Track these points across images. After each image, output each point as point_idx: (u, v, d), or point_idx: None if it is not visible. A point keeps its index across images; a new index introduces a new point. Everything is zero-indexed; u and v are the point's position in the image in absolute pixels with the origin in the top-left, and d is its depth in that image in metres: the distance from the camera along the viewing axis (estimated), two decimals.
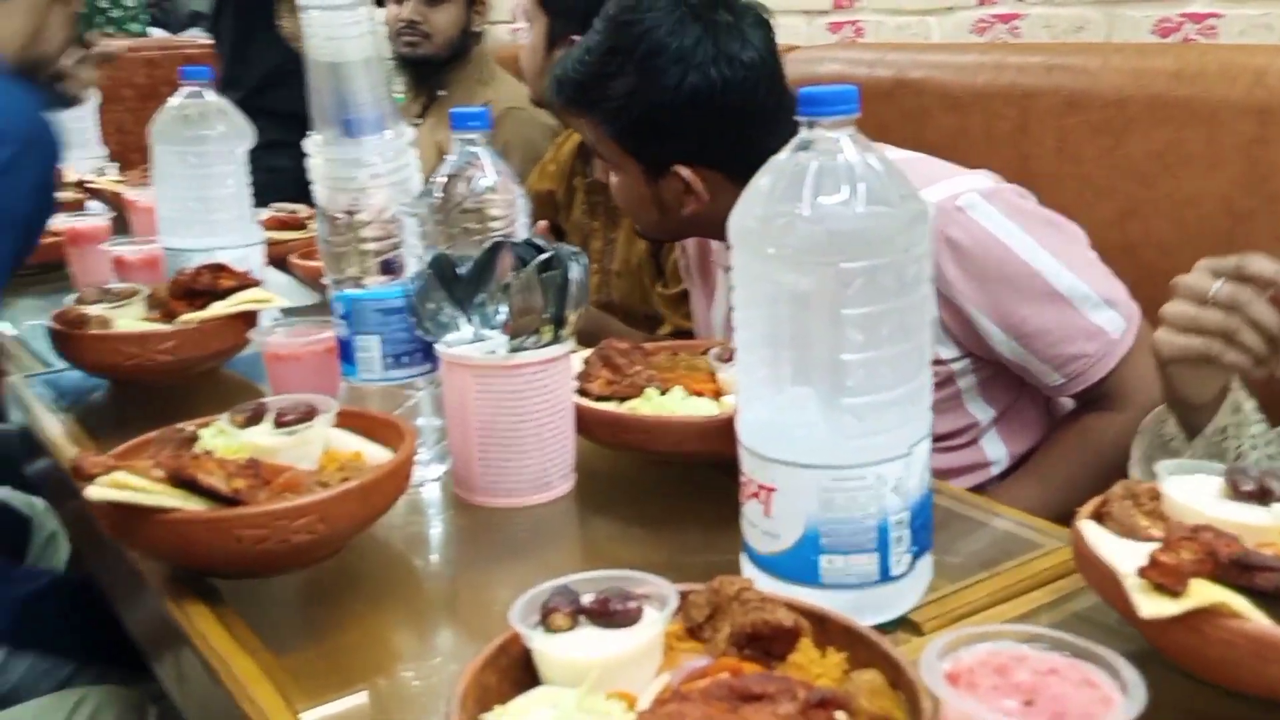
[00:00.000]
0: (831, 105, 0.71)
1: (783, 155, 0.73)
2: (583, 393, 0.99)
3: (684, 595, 0.64)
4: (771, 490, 0.73)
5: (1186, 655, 0.62)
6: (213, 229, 1.37)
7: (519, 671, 0.60)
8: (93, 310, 1.21)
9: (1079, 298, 1.18)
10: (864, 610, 0.70)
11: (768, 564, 0.75)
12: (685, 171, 1.25)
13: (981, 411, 1.28)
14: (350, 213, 0.93)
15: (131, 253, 1.44)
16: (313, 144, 0.93)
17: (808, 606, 0.64)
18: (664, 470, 0.98)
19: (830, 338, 0.70)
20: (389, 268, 0.94)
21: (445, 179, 0.98)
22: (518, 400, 0.90)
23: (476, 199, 0.97)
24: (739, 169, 1.24)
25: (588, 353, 1.03)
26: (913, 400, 0.73)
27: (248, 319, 1.22)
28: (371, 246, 0.93)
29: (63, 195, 2.04)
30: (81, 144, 2.33)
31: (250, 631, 0.75)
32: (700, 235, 1.42)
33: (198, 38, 4.88)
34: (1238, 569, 0.61)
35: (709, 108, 1.22)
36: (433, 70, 2.26)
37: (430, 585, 0.87)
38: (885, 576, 0.72)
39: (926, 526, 0.76)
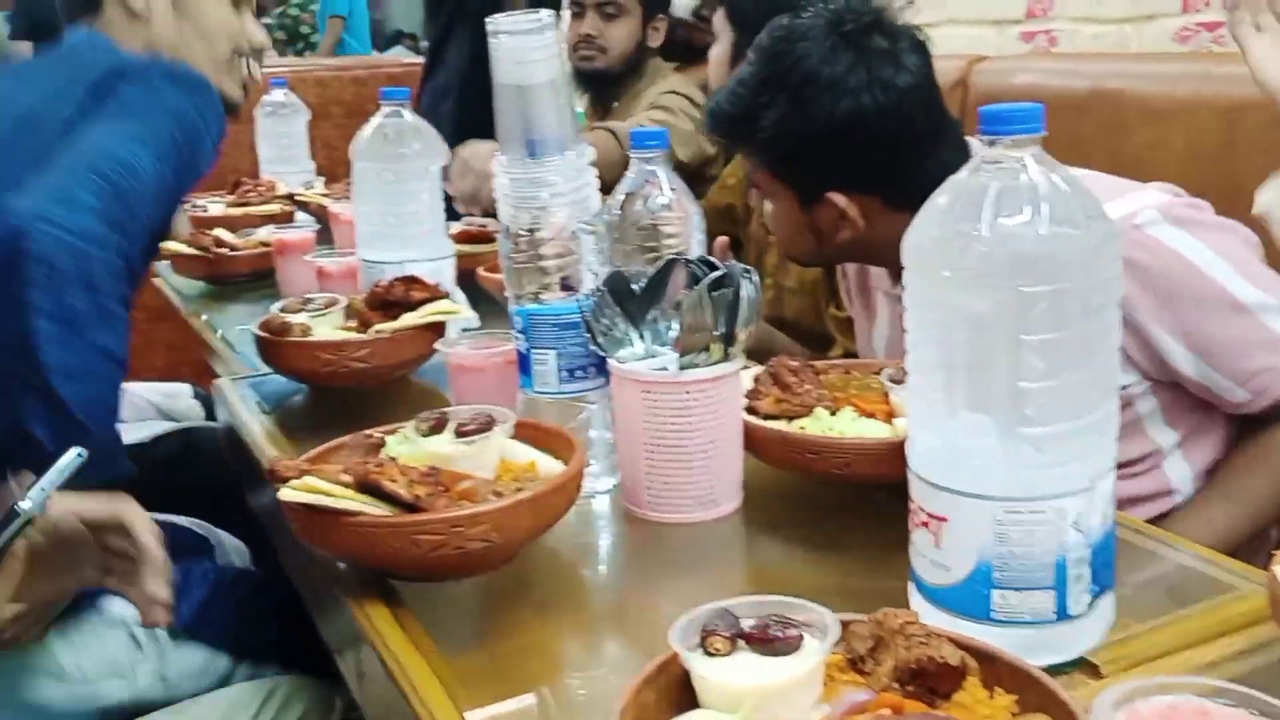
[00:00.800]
0: (1014, 123, 0.69)
1: (962, 174, 0.71)
2: (752, 410, 0.99)
3: (846, 625, 0.63)
4: (942, 520, 0.71)
5: None
6: (406, 243, 1.43)
7: (678, 691, 0.60)
8: (295, 319, 1.29)
9: (1262, 307, 1.13)
10: (1037, 650, 0.67)
11: (937, 596, 0.73)
12: (840, 199, 1.24)
13: (1164, 436, 1.22)
14: (531, 230, 0.96)
15: (332, 264, 1.53)
16: (498, 164, 0.97)
17: (976, 644, 0.62)
18: (833, 492, 0.96)
19: (1008, 364, 0.67)
20: (567, 284, 0.96)
21: (623, 197, 1.00)
22: (686, 416, 0.91)
23: (652, 217, 0.99)
24: (896, 195, 1.22)
25: (758, 370, 1.03)
26: (1097, 431, 0.70)
27: (437, 330, 1.28)
28: (550, 263, 0.95)
29: (274, 208, 2.18)
30: (292, 158, 2.48)
31: (425, 633, 0.79)
32: (856, 261, 1.41)
33: (401, 57, 5.13)
34: None
35: (862, 134, 1.21)
36: (608, 84, 2.30)
37: (597, 596, 0.88)
38: (1062, 615, 0.69)
39: (1109, 564, 0.72)
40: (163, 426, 1.89)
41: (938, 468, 0.72)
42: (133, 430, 1.86)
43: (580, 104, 2.43)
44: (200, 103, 1.18)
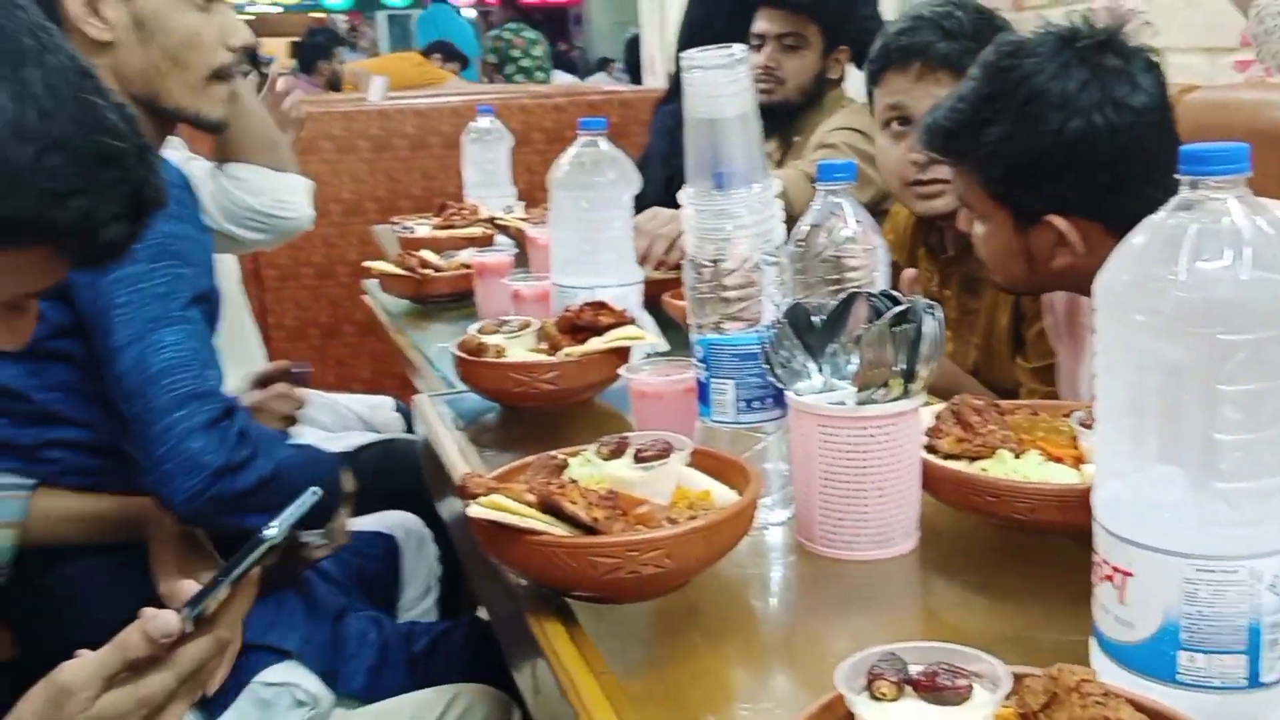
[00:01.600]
0: (1218, 164, 0.66)
1: (1160, 215, 0.68)
2: (931, 449, 0.97)
3: (1019, 679, 0.62)
4: (1128, 575, 0.69)
5: None
6: (598, 268, 1.47)
7: None
8: (490, 340, 1.35)
9: None
10: (1225, 718, 0.64)
11: (1119, 654, 0.70)
12: (1060, 222, 1.20)
13: None
14: (715, 261, 0.97)
15: (527, 288, 1.59)
16: (685, 195, 0.99)
17: (1159, 708, 0.60)
18: (1015, 537, 0.94)
19: (1203, 415, 0.65)
20: (747, 315, 0.97)
21: (807, 229, 1.00)
22: (861, 452, 0.90)
23: (835, 249, 0.99)
24: (1119, 220, 1.16)
25: (940, 407, 1.02)
26: None
27: (622, 354, 1.31)
28: (732, 294, 0.97)
29: (475, 231, 2.28)
30: (494, 183, 2.59)
31: (597, 654, 0.81)
32: (1069, 290, 1.35)
33: (601, 84, 5.27)
34: None
35: (1092, 155, 1.16)
36: (788, 116, 2.29)
37: (767, 628, 0.89)
38: (1254, 683, 0.65)
39: None
40: (365, 437, 2.01)
41: (1124, 519, 0.69)
42: (337, 439, 1.99)
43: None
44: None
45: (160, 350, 1.15)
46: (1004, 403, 1.04)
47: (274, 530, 0.78)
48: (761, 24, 2.25)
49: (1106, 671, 0.71)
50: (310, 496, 0.87)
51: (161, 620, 0.82)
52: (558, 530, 0.83)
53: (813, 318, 0.95)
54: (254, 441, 1.20)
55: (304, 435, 1.99)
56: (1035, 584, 0.88)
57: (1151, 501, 0.68)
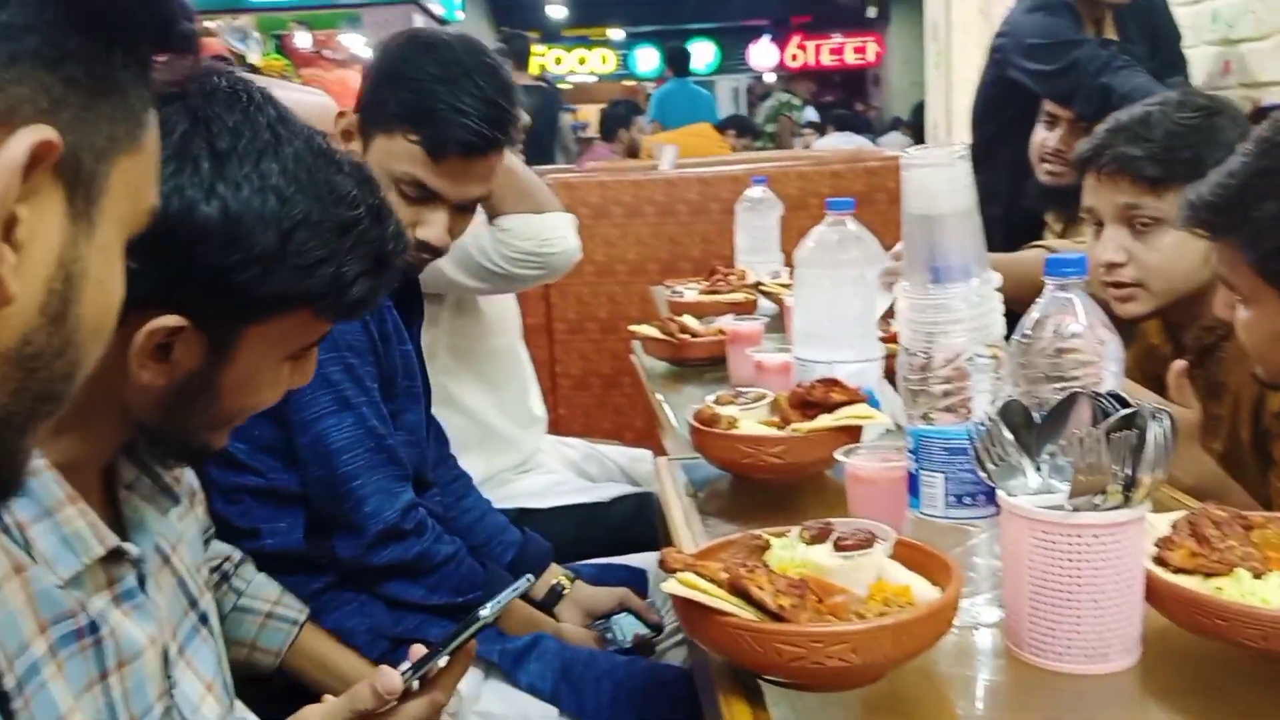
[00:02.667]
0: None
1: None
2: (1162, 561, 0.92)
3: None
4: None
5: None
6: (837, 344, 1.48)
7: None
8: (724, 410, 1.39)
9: None
10: None
11: None
12: None
13: None
14: (928, 353, 0.97)
15: (769, 359, 1.62)
16: (901, 289, 0.99)
17: None
18: (1249, 665, 0.86)
19: None
20: (958, 407, 0.96)
21: (1033, 322, 0.98)
22: (1075, 561, 0.87)
23: (1062, 344, 0.96)
24: None
25: (1177, 516, 0.95)
26: None
27: (855, 433, 1.31)
28: (943, 387, 0.96)
29: (739, 296, 2.33)
30: (763, 249, 2.64)
31: None
32: None
33: (888, 147, 5.23)
34: None
35: None
36: (1073, 197, 2.21)
37: None
38: None
39: None
40: (623, 489, 2.09)
41: None
42: (598, 489, 2.09)
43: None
44: None
45: (339, 430, 1.34)
46: (1254, 515, 0.97)
47: (488, 611, 0.85)
48: (1054, 106, 2.21)
49: None
50: (524, 583, 0.95)
51: (389, 678, 0.92)
52: (746, 613, 0.85)
53: (1032, 415, 0.93)
54: (423, 521, 1.39)
55: (573, 484, 2.11)
56: (1263, 718, 0.81)
57: None
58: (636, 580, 1.75)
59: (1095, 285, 1.62)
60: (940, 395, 0.96)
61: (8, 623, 0.77)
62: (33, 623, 0.79)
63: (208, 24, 9.85)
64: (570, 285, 3.41)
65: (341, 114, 1.53)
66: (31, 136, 0.48)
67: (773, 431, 1.33)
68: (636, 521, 1.94)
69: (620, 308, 3.55)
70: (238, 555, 1.35)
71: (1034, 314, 0.98)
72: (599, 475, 2.26)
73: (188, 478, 1.07)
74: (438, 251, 1.51)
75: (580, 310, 3.60)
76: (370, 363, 1.41)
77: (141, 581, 0.94)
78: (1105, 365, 0.95)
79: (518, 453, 2.09)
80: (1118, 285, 1.57)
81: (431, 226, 1.47)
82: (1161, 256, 1.52)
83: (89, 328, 0.55)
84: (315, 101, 2.00)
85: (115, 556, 0.90)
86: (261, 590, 1.35)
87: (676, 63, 8.13)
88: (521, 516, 1.91)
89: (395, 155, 1.44)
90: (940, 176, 0.95)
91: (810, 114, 10.33)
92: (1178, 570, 0.91)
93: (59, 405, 0.55)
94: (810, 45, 15.97)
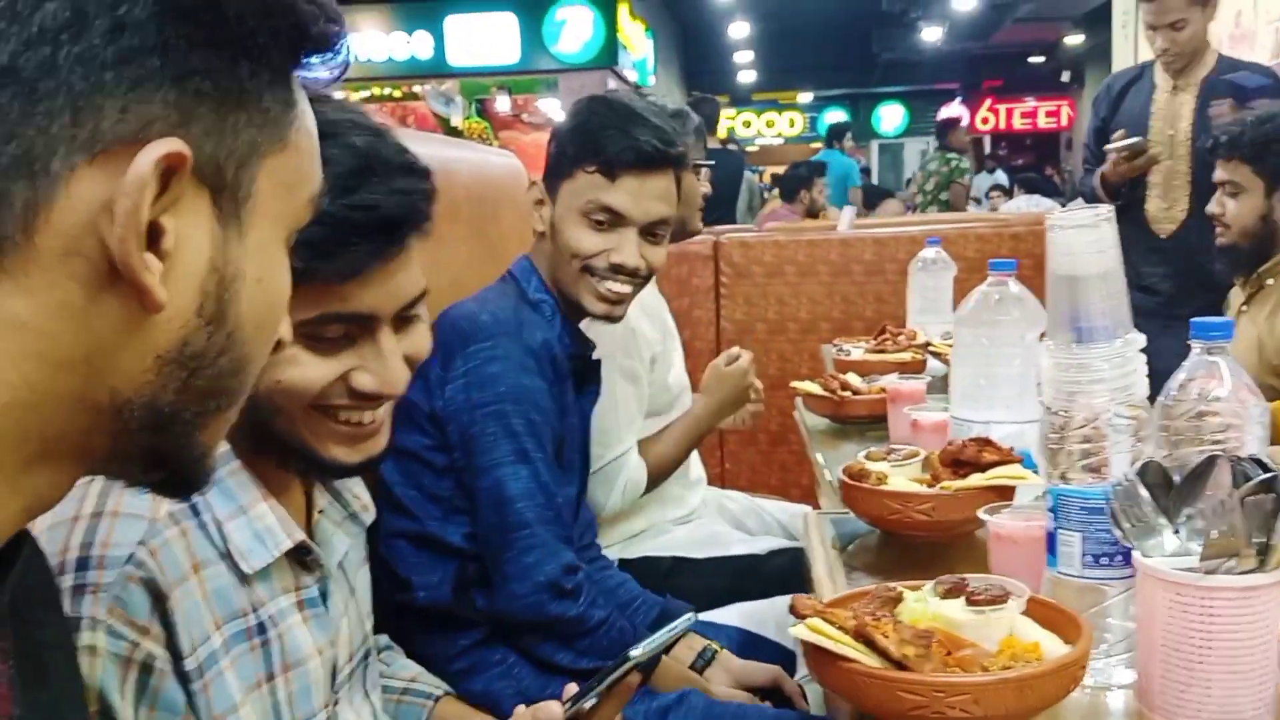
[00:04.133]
0: None
1: None
2: None
3: None
4: None
5: None
6: (994, 404, 1.49)
7: None
8: (875, 466, 1.41)
9: None
10: None
11: None
12: None
13: None
14: (1068, 412, 0.98)
15: (925, 417, 1.63)
16: (1045, 347, 1.00)
17: None
18: None
19: None
20: (1096, 467, 0.96)
21: (1178, 384, 0.97)
22: (1207, 623, 0.86)
23: (1205, 407, 0.95)
24: None
25: None
26: None
27: (1008, 493, 1.31)
28: (1081, 446, 0.96)
29: (906, 356, 2.34)
30: (936, 309, 2.63)
31: None
32: None
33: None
34: None
35: None
36: (1246, 257, 2.18)
37: None
38: None
39: None
40: (779, 543, 2.12)
41: None
42: (754, 542, 2.12)
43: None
44: None
45: (516, 479, 1.42)
46: None
47: (639, 650, 0.89)
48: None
49: None
50: (683, 623, 0.98)
51: (548, 710, 0.97)
52: (871, 660, 0.87)
53: (1171, 476, 0.92)
54: (583, 581, 1.45)
55: (730, 536, 2.15)
56: None
57: None
58: (787, 660, 1.76)
59: None
60: (1079, 455, 0.97)
61: (193, 612, 0.87)
62: (211, 617, 0.89)
63: (415, 88, 10.56)
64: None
65: (532, 183, 1.65)
66: (159, 150, 0.49)
67: (922, 489, 1.34)
68: (792, 576, 1.95)
69: (790, 366, 3.58)
70: (384, 640, 1.35)
71: (1180, 376, 0.98)
72: (757, 529, 2.29)
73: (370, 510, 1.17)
74: (634, 274, 1.58)
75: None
76: (552, 424, 1.50)
77: (324, 595, 1.03)
78: (1248, 429, 0.94)
79: (680, 508, 2.14)
80: None
81: (622, 249, 1.56)
82: None
83: (252, 325, 0.56)
84: (502, 163, 2.14)
85: (303, 564, 1.00)
86: (402, 671, 1.32)
87: (830, 134, 8.72)
88: (676, 566, 1.97)
89: (578, 191, 1.56)
90: (1085, 238, 0.96)
91: (1000, 177, 10.13)
92: None
93: (231, 400, 0.57)
94: (1001, 108, 15.69)
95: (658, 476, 1.97)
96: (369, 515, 1.13)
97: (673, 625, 1.00)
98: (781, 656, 1.75)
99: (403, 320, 1.00)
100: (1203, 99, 3.05)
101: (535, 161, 1.98)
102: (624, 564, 1.95)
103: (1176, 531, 0.92)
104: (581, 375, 1.66)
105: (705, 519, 2.18)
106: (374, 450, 1.01)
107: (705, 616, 1.82)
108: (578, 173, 1.55)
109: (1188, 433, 0.95)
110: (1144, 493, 0.92)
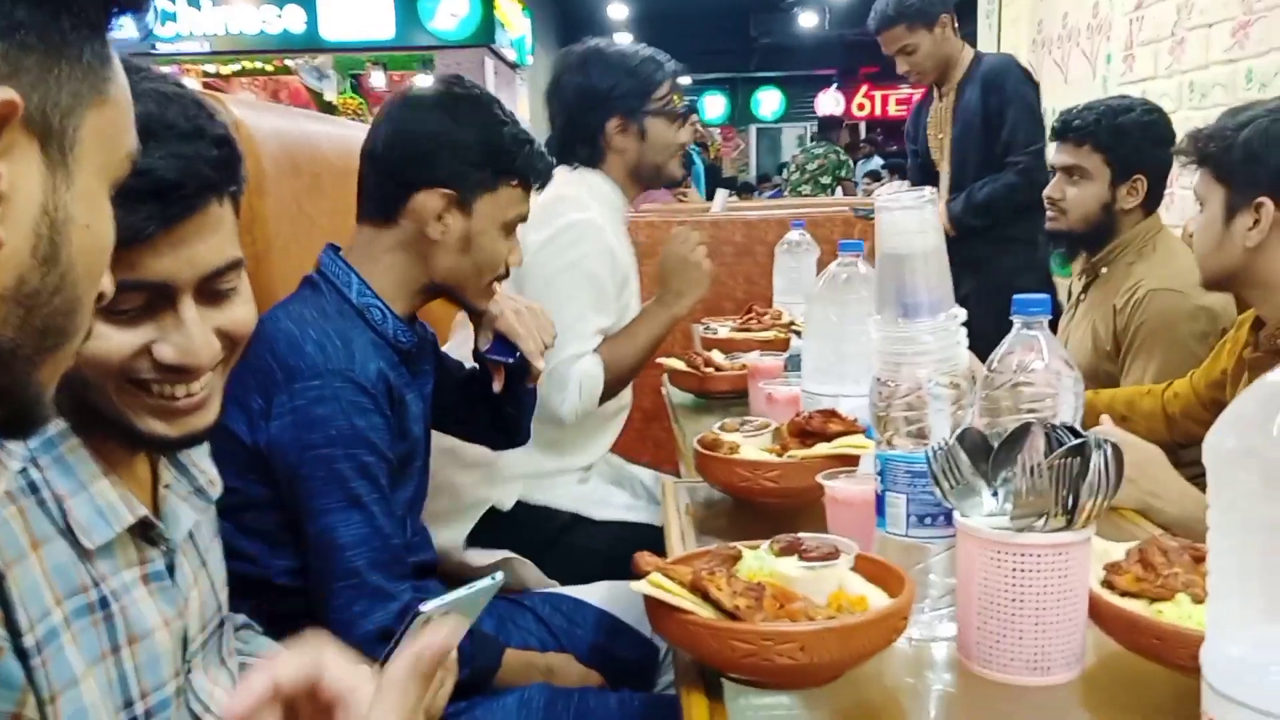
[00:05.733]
0: None
1: (1274, 376, 0.69)
2: (1110, 584, 0.97)
3: None
4: None
5: None
6: (843, 378, 1.55)
7: None
8: (729, 437, 1.46)
9: None
10: None
11: None
12: None
13: None
14: (895, 382, 1.04)
15: (779, 391, 1.69)
16: (874, 322, 1.06)
17: None
18: (1182, 683, 0.91)
19: None
20: (920, 434, 1.03)
21: (1000, 355, 1.04)
22: (1018, 579, 0.93)
23: (1023, 377, 1.02)
24: None
25: (1135, 544, 1.01)
26: None
27: (849, 460, 1.38)
28: (908, 414, 1.03)
29: (770, 334, 2.40)
30: (799, 290, 2.69)
31: None
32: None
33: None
34: None
35: None
36: (1085, 246, 2.30)
37: None
38: None
39: None
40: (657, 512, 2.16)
41: (1223, 672, 0.69)
42: (639, 509, 2.16)
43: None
44: None
45: (348, 525, 1.36)
46: (1203, 546, 1.01)
47: (429, 606, 0.85)
48: (1052, 155, 2.32)
49: None
50: (487, 583, 0.93)
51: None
52: (706, 613, 0.92)
53: (990, 442, 0.99)
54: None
55: (614, 498, 2.18)
56: None
57: (1250, 659, 0.67)
58: (648, 651, 1.79)
59: None
60: (904, 422, 1.03)
61: (31, 589, 0.87)
62: (50, 594, 0.89)
63: (287, 62, 10.29)
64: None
65: (440, 193, 1.53)
66: None
67: (771, 458, 1.40)
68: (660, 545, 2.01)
69: (663, 345, 3.63)
70: (240, 619, 1.30)
71: (1000, 349, 1.05)
72: (641, 496, 2.34)
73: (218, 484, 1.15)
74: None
75: None
76: (388, 459, 1.43)
77: (171, 569, 1.03)
78: (1062, 399, 1.02)
79: (585, 456, 2.19)
80: None
81: (518, 248, 1.60)
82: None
83: (82, 267, 0.60)
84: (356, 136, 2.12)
85: (148, 538, 1.00)
86: (261, 650, 1.26)
87: None
88: (574, 522, 2.01)
89: (504, 205, 1.55)
90: (911, 218, 1.02)
91: (876, 163, 10.39)
92: (1124, 594, 0.96)
93: (65, 339, 0.62)
94: (877, 95, 16.06)
95: (620, 372, 2.05)
96: (216, 490, 1.12)
97: (472, 584, 0.93)
98: (641, 646, 1.78)
99: (213, 293, 0.99)
100: (958, 101, 3.40)
101: None
102: (522, 506, 1.99)
103: (994, 494, 0.99)
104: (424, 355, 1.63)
105: (601, 480, 2.22)
106: (198, 425, 1.00)
107: (572, 591, 1.85)
108: (501, 189, 1.55)
109: (1006, 402, 1.02)
110: (963, 457, 0.98)
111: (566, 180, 2.13)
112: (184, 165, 0.93)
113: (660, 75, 2.21)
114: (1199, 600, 0.93)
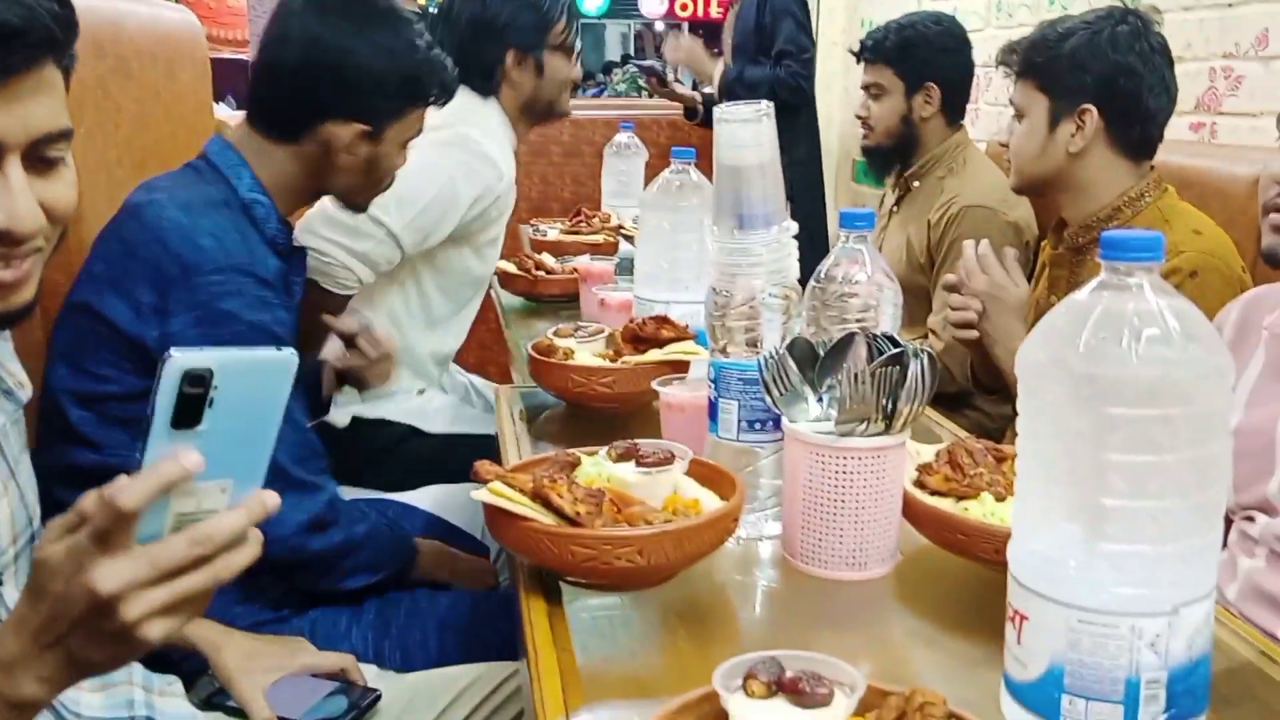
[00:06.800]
0: (1132, 250, 0.71)
1: (1081, 294, 0.74)
2: (921, 484, 1.04)
3: (885, 694, 0.69)
4: (1024, 618, 0.75)
5: None
6: (675, 285, 1.58)
7: None
8: (562, 343, 1.47)
9: None
10: None
11: (1017, 691, 0.76)
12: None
13: None
14: (730, 292, 1.06)
15: (612, 296, 1.71)
16: (710, 233, 1.08)
17: None
18: (985, 575, 0.99)
19: (1093, 480, 0.70)
20: (753, 342, 1.06)
21: (827, 268, 1.08)
22: (839, 481, 0.98)
23: (848, 289, 1.06)
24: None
25: (941, 447, 1.08)
26: (1189, 558, 0.71)
27: (683, 367, 1.41)
28: (741, 323, 1.06)
29: (599, 238, 2.41)
30: (628, 193, 2.72)
31: (567, 629, 0.92)
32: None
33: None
34: None
35: None
36: (891, 158, 2.42)
37: (732, 631, 0.97)
38: None
39: (1194, 693, 0.72)
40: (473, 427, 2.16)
41: (1027, 568, 0.75)
42: (483, 420, 2.15)
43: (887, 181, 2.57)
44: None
45: None
46: (1007, 447, 1.09)
47: (180, 353, 0.76)
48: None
49: (1008, 707, 0.77)
50: (277, 353, 0.81)
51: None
52: (546, 519, 0.94)
53: (817, 351, 1.03)
54: (339, 510, 1.40)
55: (449, 410, 2.15)
56: (986, 621, 0.94)
57: (1051, 555, 0.73)
58: (479, 550, 1.81)
59: None
60: (739, 331, 1.06)
61: None
62: None
63: None
64: None
65: (357, 129, 1.50)
66: None
67: (605, 363, 1.42)
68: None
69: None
70: None
71: (828, 262, 1.08)
72: (479, 405, 2.33)
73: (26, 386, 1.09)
74: None
75: None
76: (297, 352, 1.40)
77: None
78: (883, 310, 1.06)
79: (422, 379, 2.16)
80: None
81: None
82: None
83: None
84: (179, 19, 1.99)
85: None
86: None
87: None
88: (410, 434, 1.99)
89: (409, 126, 1.56)
90: (745, 131, 1.04)
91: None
92: (934, 493, 1.03)
93: None
94: None
95: None
96: (25, 393, 1.06)
97: (254, 349, 0.83)
98: (471, 548, 1.79)
99: (42, 160, 0.92)
100: (740, 11, 3.68)
101: (215, 18, 1.85)
102: (358, 421, 1.95)
103: (820, 400, 1.03)
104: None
105: (438, 391, 2.20)
106: (15, 302, 0.93)
107: (401, 497, 1.84)
108: (410, 113, 1.55)
109: (833, 312, 1.06)
110: (792, 365, 1.02)
111: (468, 106, 2.09)
112: (27, 14, 0.85)
113: (558, 6, 2.16)
114: (1001, 498, 1.01)
